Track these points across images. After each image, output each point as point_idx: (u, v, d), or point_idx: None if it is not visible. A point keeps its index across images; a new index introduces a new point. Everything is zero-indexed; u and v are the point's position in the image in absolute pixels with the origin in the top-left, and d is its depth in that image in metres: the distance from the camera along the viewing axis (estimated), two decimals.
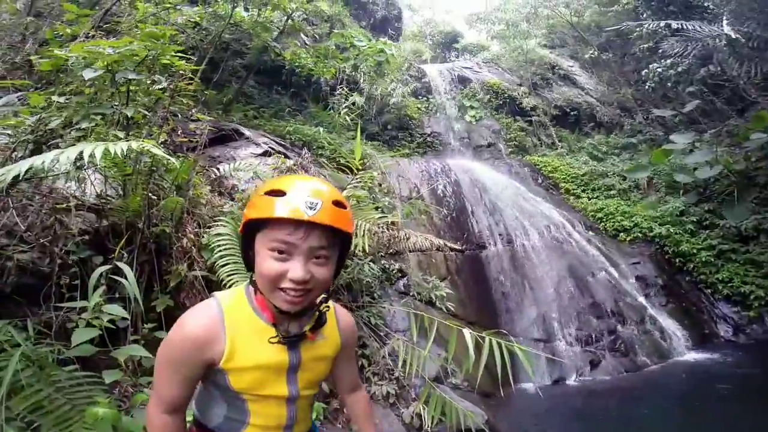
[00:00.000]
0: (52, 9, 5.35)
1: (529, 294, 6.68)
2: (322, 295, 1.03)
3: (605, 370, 6.11)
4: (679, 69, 10.18)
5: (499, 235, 7.29)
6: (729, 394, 5.35)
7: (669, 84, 10.61)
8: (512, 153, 10.14)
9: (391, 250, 4.99)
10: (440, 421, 3.60)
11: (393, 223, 4.62)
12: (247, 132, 6.09)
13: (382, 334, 4.40)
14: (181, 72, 2.96)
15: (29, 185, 2.62)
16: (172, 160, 2.28)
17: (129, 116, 2.71)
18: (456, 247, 6.16)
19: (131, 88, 2.72)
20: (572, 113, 11.18)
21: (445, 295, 4.95)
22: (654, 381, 5.94)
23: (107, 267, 2.17)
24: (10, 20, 4.86)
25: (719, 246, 6.89)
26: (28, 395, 1.78)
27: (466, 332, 3.14)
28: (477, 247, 7.13)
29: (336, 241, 0.97)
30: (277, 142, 6.40)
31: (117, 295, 2.44)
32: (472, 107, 11.49)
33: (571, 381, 6.00)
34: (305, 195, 0.91)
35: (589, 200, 8.26)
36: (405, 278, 5.70)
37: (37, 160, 1.69)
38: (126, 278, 2.12)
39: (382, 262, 5.34)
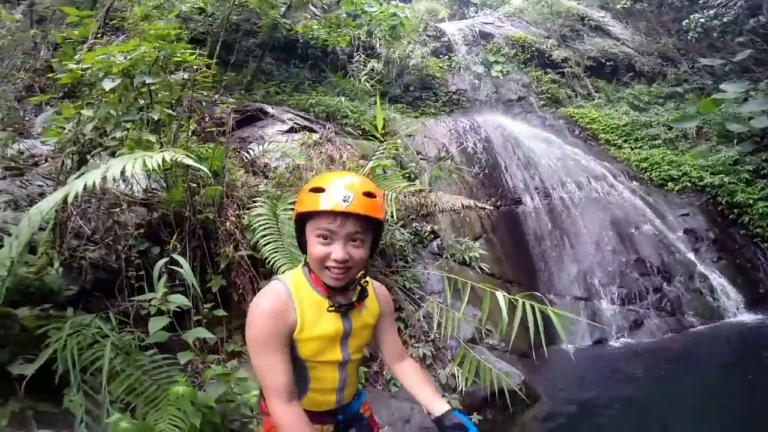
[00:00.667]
0: (54, 12, 5.17)
1: (568, 250, 6.27)
2: (361, 272, 1.19)
3: (649, 330, 5.73)
4: (725, 19, 9.17)
5: (535, 189, 6.85)
6: None
7: (715, 34, 9.62)
8: (545, 106, 9.46)
9: (422, 213, 4.69)
10: (475, 382, 3.54)
11: (421, 189, 4.44)
12: (271, 110, 6.09)
13: (416, 297, 4.29)
14: (194, 66, 3.06)
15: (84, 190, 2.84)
16: (200, 166, 2.27)
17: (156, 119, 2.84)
18: (485, 205, 5.77)
19: (152, 88, 2.82)
20: (608, 64, 10.32)
21: (478, 255, 4.63)
22: (702, 343, 5.53)
23: (165, 260, 2.32)
24: (16, 28, 4.78)
25: None
26: (122, 380, 2.00)
27: (499, 295, 3.03)
28: (512, 203, 6.72)
29: (369, 227, 1.13)
30: (301, 117, 6.34)
31: (177, 282, 2.60)
32: (497, 62, 10.78)
33: (613, 342, 5.65)
34: (341, 190, 1.07)
35: (632, 150, 7.63)
36: (438, 239, 5.40)
37: (89, 178, 1.80)
38: (182, 268, 2.30)
39: (414, 225, 5.08)
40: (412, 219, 4.52)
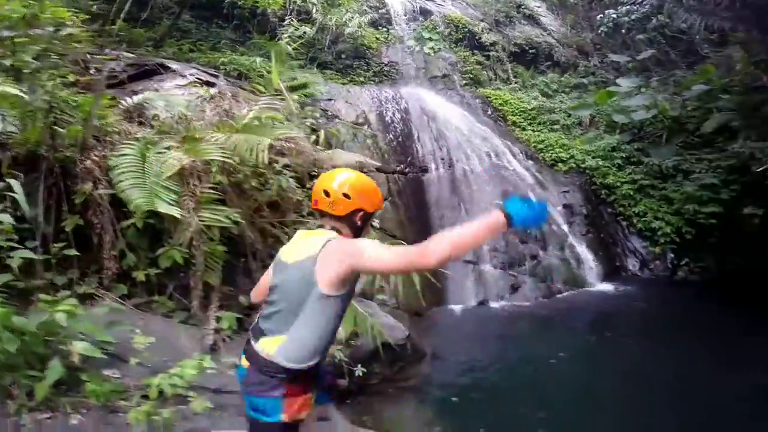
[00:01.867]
0: None
1: (464, 217, 6.63)
2: None
3: (524, 295, 6.28)
4: (633, 17, 9.91)
5: (442, 159, 7.15)
6: (628, 326, 5.63)
7: (623, 30, 10.40)
8: (466, 85, 9.78)
9: (318, 169, 4.71)
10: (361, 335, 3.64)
11: (316, 143, 4.46)
12: (174, 65, 5.80)
13: None
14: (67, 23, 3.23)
15: None
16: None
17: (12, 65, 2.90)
18: (386, 167, 5.99)
19: (16, 41, 2.93)
20: (530, 51, 10.80)
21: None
22: (567, 308, 6.13)
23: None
24: None
25: (640, 181, 7.06)
26: None
27: None
28: (420, 171, 7.00)
29: None
30: (210, 74, 5.99)
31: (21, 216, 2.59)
32: (431, 39, 10.90)
33: (494, 303, 6.14)
34: None
35: (533, 132, 8.17)
36: None
37: None
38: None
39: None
40: (312, 175, 4.55)
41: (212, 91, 4.57)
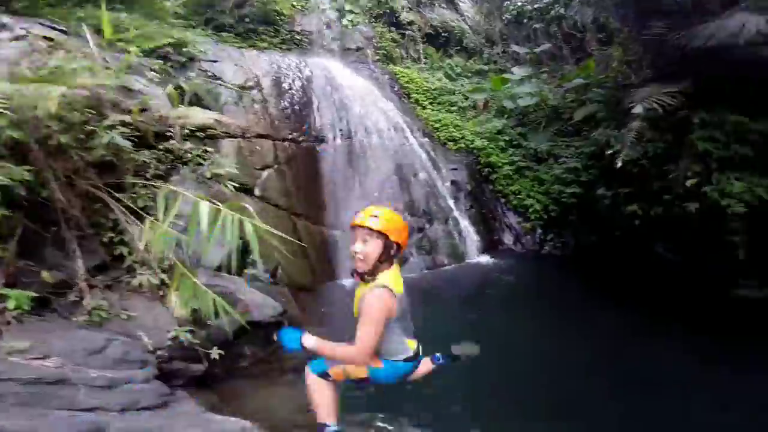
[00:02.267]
0: None
1: (357, 189, 6.71)
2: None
3: (410, 267, 6.48)
4: (536, 5, 10.51)
5: (341, 131, 7.09)
6: (498, 297, 5.94)
7: (525, 20, 11.03)
8: (378, 60, 9.76)
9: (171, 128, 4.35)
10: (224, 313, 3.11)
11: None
12: (6, 19, 4.83)
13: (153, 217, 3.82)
14: None
15: None
16: None
17: None
18: (274, 134, 5.82)
19: None
20: (443, 35, 11.05)
21: (223, 173, 4.40)
22: (451, 280, 6.42)
23: None
24: None
25: (518, 162, 7.65)
26: None
27: (203, 205, 2.62)
28: (315, 140, 6.90)
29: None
30: (57, 29, 5.12)
31: None
32: (352, 12, 10.69)
33: None
34: None
35: (432, 111, 8.43)
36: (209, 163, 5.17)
37: None
38: None
39: (187, 143, 4.78)
40: (159, 134, 4.21)
41: (43, 44, 3.96)
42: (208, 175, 4.30)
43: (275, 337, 2.11)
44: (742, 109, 5.38)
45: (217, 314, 2.81)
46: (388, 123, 7.58)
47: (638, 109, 5.56)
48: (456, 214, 7.18)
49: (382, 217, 1.90)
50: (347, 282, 5.93)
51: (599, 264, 6.78)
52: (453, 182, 7.43)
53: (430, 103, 8.66)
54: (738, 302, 5.34)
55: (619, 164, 5.65)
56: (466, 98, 8.80)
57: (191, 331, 3.09)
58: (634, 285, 6.00)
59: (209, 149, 4.96)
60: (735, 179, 5.15)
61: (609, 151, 6.40)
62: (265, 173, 6.02)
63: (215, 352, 3.14)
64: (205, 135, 5.20)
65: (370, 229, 1.87)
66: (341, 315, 5.08)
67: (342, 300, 5.57)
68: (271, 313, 3.99)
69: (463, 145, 7.82)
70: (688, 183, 5.45)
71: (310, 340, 2.01)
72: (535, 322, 5.21)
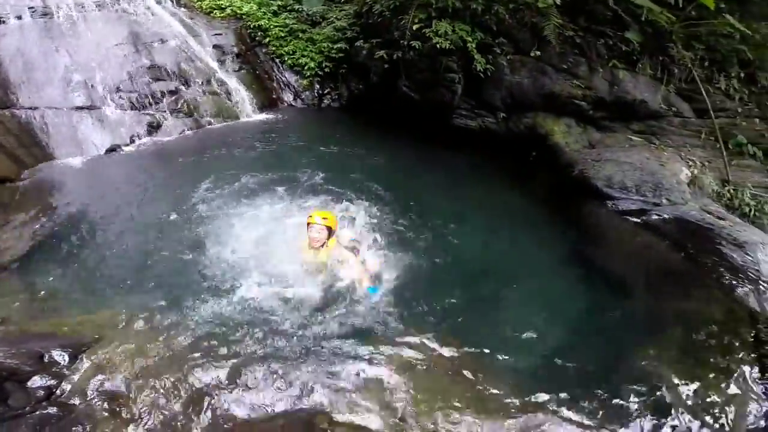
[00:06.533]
0: None
1: (67, 61, 5.84)
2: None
3: (166, 131, 6.03)
4: None
5: (30, 8, 5.99)
6: (283, 145, 5.90)
7: None
8: None
9: None
10: None
11: None
12: None
13: None
14: None
15: None
16: None
17: None
18: None
19: None
20: None
21: None
22: (220, 137, 6.11)
23: None
24: None
25: (291, 25, 7.37)
26: None
27: None
28: None
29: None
30: None
31: None
32: None
33: (129, 147, 5.69)
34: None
35: None
36: None
37: None
38: None
39: None
40: None
41: None
42: None
43: (369, 293, 3.16)
44: None
45: None
46: None
47: None
48: (221, 75, 6.74)
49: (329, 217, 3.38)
50: (72, 160, 5.39)
51: (366, 108, 6.90)
52: (216, 46, 6.93)
53: None
54: (458, 128, 6.04)
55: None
56: None
57: None
58: (391, 120, 6.38)
59: None
60: (446, 23, 5.38)
61: (365, 8, 6.34)
62: None
63: None
64: None
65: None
66: (75, 195, 4.67)
67: (69, 180, 5.01)
68: None
69: (230, 12, 7.30)
70: (414, 27, 5.65)
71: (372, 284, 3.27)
72: (322, 162, 5.31)
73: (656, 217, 3.87)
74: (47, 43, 5.85)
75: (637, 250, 3.69)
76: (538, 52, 5.28)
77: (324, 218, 3.29)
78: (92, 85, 5.85)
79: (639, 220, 3.91)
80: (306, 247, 3.34)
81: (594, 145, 5.08)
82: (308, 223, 3.30)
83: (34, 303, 3.23)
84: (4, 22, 5.65)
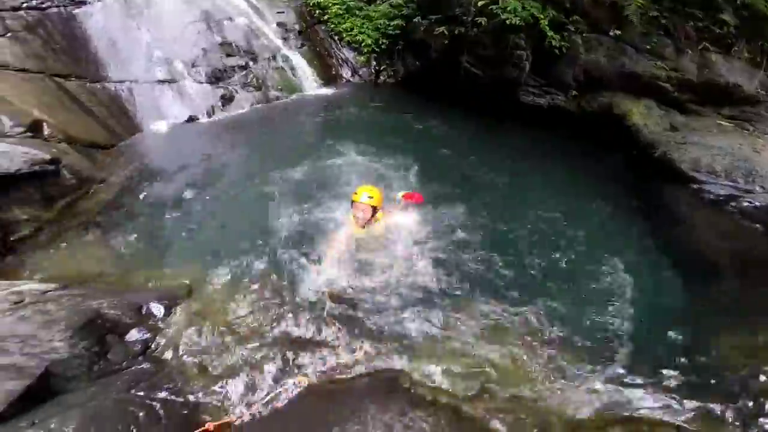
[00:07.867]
0: None
1: (146, 38, 6.06)
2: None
3: (239, 104, 6.29)
4: None
5: None
6: (341, 119, 6.10)
7: None
8: None
9: None
10: None
11: None
12: None
13: None
14: None
15: None
16: None
17: None
18: None
19: None
20: None
21: None
22: (287, 111, 6.38)
23: None
24: None
25: (348, 3, 7.45)
26: None
27: None
28: (70, 3, 5.73)
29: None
30: None
31: None
32: None
33: (204, 119, 5.98)
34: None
35: None
36: None
37: None
38: None
39: None
40: None
41: None
42: None
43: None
44: None
45: None
46: None
47: None
48: (286, 51, 6.91)
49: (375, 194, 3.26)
50: (156, 129, 5.68)
51: (423, 85, 7.00)
52: (279, 24, 7.10)
53: None
54: (524, 105, 6.07)
55: None
56: None
57: None
58: (452, 96, 6.42)
59: None
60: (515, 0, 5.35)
61: None
62: None
63: None
64: None
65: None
66: (158, 161, 5.03)
67: (155, 148, 5.34)
68: (31, 160, 3.68)
69: None
70: (480, 4, 5.61)
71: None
72: (395, 134, 5.50)
73: (747, 204, 3.76)
74: (128, 21, 6.07)
75: (726, 236, 3.59)
76: (618, 32, 5.17)
77: (370, 196, 3.12)
78: (171, 61, 6.09)
79: (729, 207, 3.77)
80: (354, 222, 3.21)
81: (677, 128, 4.92)
82: (352, 201, 3.14)
83: (124, 258, 3.48)
84: (90, 2, 5.87)
